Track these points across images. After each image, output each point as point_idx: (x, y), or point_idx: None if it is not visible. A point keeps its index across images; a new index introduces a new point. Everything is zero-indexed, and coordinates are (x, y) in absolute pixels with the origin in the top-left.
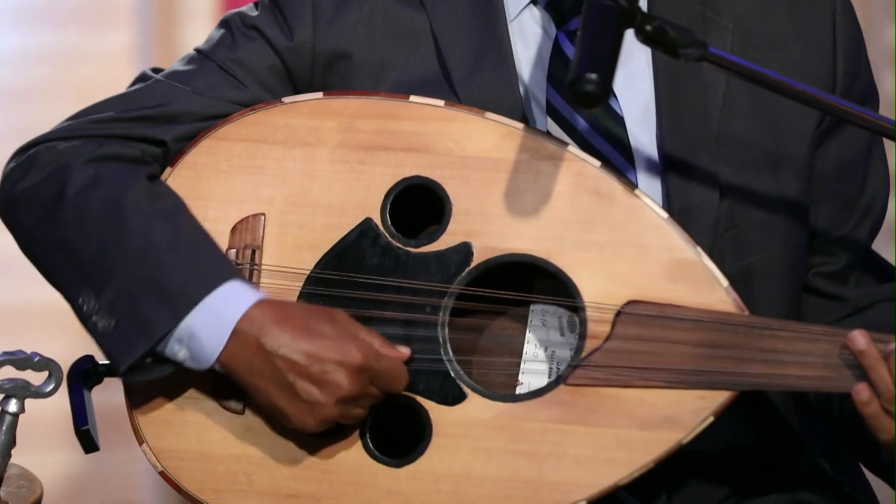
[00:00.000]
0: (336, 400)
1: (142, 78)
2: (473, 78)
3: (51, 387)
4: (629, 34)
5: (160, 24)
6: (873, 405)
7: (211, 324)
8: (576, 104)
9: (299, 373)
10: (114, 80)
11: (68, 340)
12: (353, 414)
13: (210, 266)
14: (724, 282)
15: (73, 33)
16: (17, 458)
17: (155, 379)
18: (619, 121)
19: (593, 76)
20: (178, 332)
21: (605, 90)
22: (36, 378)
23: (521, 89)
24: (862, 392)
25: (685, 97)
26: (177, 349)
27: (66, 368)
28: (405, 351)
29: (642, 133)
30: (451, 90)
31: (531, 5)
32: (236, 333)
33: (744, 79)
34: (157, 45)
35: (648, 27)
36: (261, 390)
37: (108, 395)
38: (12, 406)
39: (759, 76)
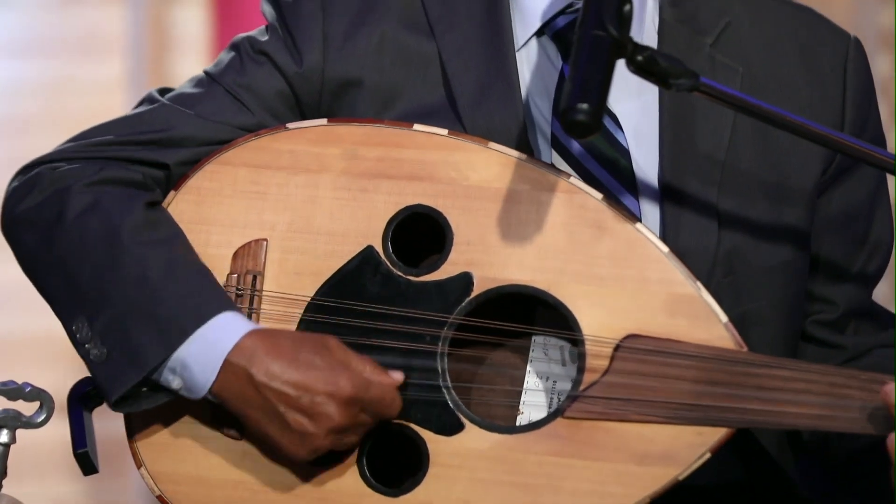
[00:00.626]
0: (327, 431)
1: (148, 100)
2: (479, 106)
3: (42, 417)
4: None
5: (152, 54)
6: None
7: (202, 355)
8: (568, 134)
9: (289, 404)
10: (106, 109)
11: (61, 371)
12: (345, 442)
13: (203, 297)
14: (724, 318)
15: (65, 64)
16: (9, 488)
17: (147, 408)
18: (625, 153)
19: (584, 106)
20: (172, 363)
21: (597, 120)
22: (27, 408)
23: (527, 119)
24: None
25: (690, 135)
26: (171, 378)
27: (58, 399)
28: (397, 377)
29: (646, 167)
30: (457, 118)
31: (538, 35)
32: (227, 365)
33: (737, 110)
34: (150, 74)
35: (639, 57)
36: (253, 420)
37: (101, 424)
38: (3, 436)
39: (753, 108)
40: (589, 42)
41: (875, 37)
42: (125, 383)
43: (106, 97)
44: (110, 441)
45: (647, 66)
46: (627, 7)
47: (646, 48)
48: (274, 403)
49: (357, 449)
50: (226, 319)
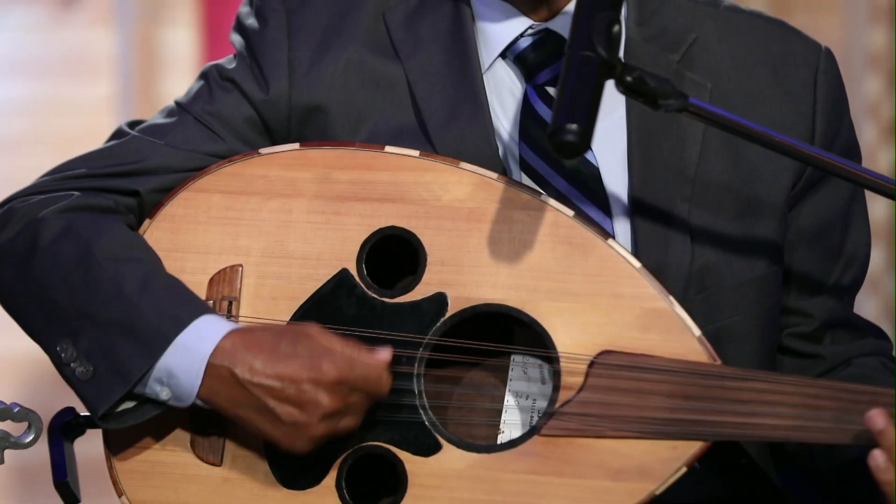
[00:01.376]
0: (319, 418)
1: (118, 134)
2: (449, 128)
3: (30, 437)
4: (609, 85)
5: (140, 75)
6: (890, 472)
7: (186, 361)
8: (557, 154)
9: (277, 397)
10: (95, 129)
11: (49, 391)
12: (342, 427)
13: (181, 305)
14: (697, 331)
15: (54, 84)
16: None
17: (132, 425)
18: (594, 171)
19: (574, 126)
20: (157, 373)
21: (586, 140)
22: (16, 429)
23: (497, 140)
24: (878, 458)
25: (660, 152)
26: (158, 389)
27: (46, 419)
28: (384, 354)
29: (617, 184)
30: (427, 140)
31: (502, 58)
32: (210, 367)
33: (725, 130)
34: (138, 95)
35: (629, 78)
36: (245, 420)
37: (82, 447)
38: None
39: (740, 127)
40: (578, 62)
41: (864, 58)
42: (112, 397)
43: (94, 118)
44: (92, 463)
45: (636, 86)
46: (616, 28)
47: (635, 69)
48: (262, 399)
49: (335, 472)
50: (204, 323)
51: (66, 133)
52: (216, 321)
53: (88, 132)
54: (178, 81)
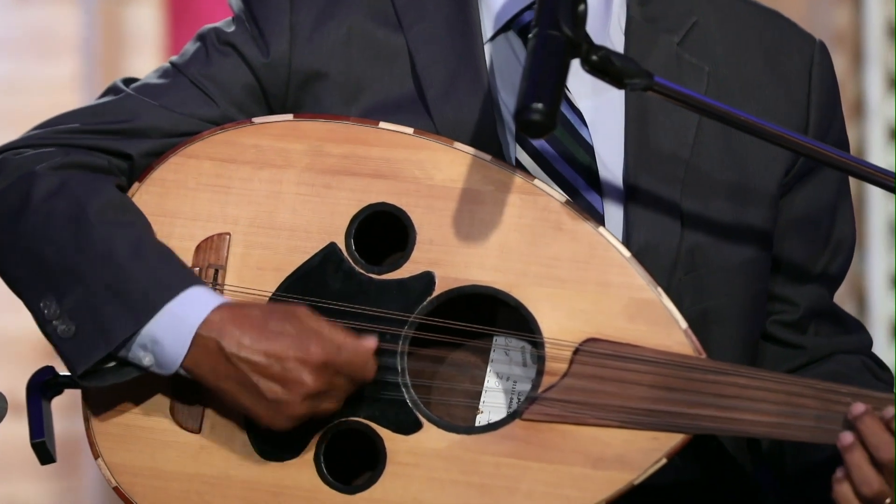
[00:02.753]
0: (302, 397)
1: (113, 90)
2: (448, 98)
3: None
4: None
5: (105, 54)
6: (844, 485)
7: (173, 330)
8: (523, 133)
9: (262, 373)
10: (60, 108)
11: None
12: (323, 408)
13: (171, 273)
14: (684, 324)
15: (18, 63)
16: None
17: (112, 385)
18: (589, 150)
19: (539, 106)
20: (142, 339)
21: (552, 119)
22: None
23: (495, 113)
24: (837, 471)
25: (655, 133)
26: (141, 355)
27: (12, 400)
28: (370, 342)
29: (611, 164)
30: (426, 110)
31: (505, 30)
32: (198, 339)
33: (692, 110)
34: (103, 73)
35: (594, 57)
36: (228, 393)
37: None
38: None
39: (709, 108)
40: (543, 41)
41: (828, 37)
42: (92, 357)
43: (59, 96)
44: (68, 440)
45: (601, 65)
46: (582, 7)
47: (600, 48)
48: (246, 374)
49: (314, 445)
50: (194, 294)
51: (31, 112)
52: (206, 293)
53: (53, 111)
54: (144, 60)
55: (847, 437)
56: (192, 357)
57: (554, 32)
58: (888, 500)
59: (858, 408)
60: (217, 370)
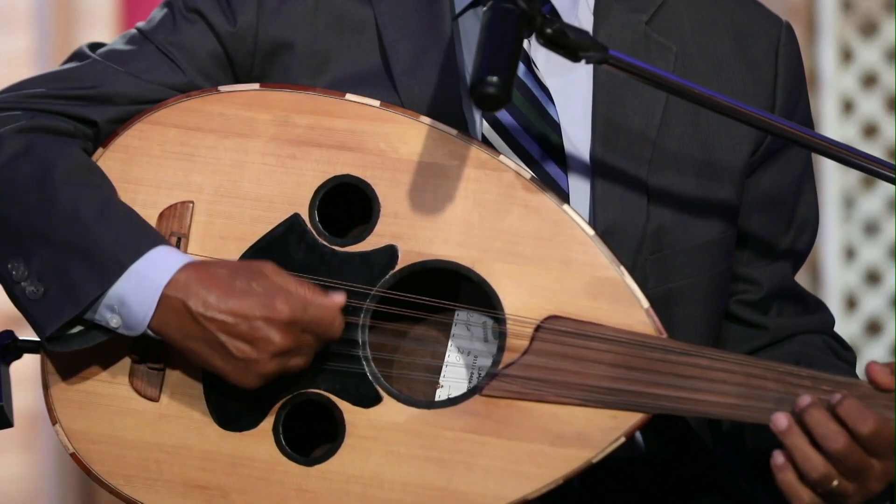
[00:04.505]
0: (271, 355)
1: (79, 55)
2: (415, 74)
3: None
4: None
5: (59, 27)
6: (787, 472)
7: (139, 290)
8: (478, 106)
9: (229, 332)
10: (13, 82)
11: None
12: (292, 365)
13: (137, 233)
14: (645, 303)
15: None
16: None
17: (81, 348)
18: (555, 127)
19: (494, 79)
20: (108, 300)
21: (506, 92)
22: None
23: (462, 89)
24: (777, 457)
25: (623, 112)
26: (108, 316)
27: None
28: (338, 298)
29: (578, 141)
30: (392, 85)
31: (475, 6)
32: (164, 299)
33: (651, 84)
34: (56, 47)
35: (548, 30)
36: (196, 353)
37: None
38: None
39: (667, 82)
40: (498, 14)
41: (783, 10)
42: (60, 318)
43: (13, 70)
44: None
45: (555, 38)
46: None
47: (554, 21)
48: (214, 333)
49: (273, 416)
50: (160, 253)
51: None
52: (172, 252)
53: (7, 84)
54: (97, 34)
55: (781, 421)
56: (159, 317)
57: (508, 5)
58: (835, 483)
59: (804, 400)
60: (184, 330)
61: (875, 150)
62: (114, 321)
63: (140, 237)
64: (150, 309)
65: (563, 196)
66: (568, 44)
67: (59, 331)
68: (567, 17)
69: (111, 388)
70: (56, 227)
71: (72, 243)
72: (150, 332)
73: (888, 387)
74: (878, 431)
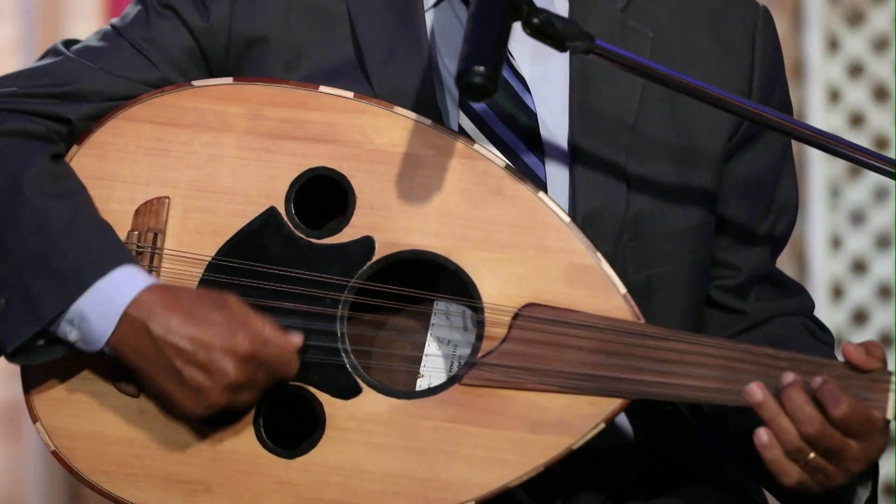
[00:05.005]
0: (223, 387)
1: (53, 52)
2: (387, 66)
3: None
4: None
5: (45, 18)
6: (774, 450)
7: (101, 307)
8: (465, 96)
9: (186, 359)
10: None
11: None
12: (240, 400)
13: (104, 250)
14: (622, 289)
15: None
16: None
17: (43, 363)
18: (532, 116)
19: (481, 69)
20: (70, 314)
21: (493, 82)
22: None
23: (435, 79)
24: (762, 435)
25: (600, 99)
26: (68, 330)
27: None
28: (296, 339)
29: (555, 129)
30: (365, 77)
31: None
32: (125, 318)
33: (634, 73)
34: (42, 38)
35: (535, 20)
36: (149, 375)
37: None
38: None
39: (651, 71)
40: (484, 4)
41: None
42: (22, 334)
43: None
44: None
45: (542, 28)
46: None
47: (542, 10)
48: (170, 358)
49: (254, 410)
50: (125, 273)
51: None
52: (138, 272)
53: None
54: (83, 23)
55: (756, 393)
56: (119, 336)
57: None
58: (811, 455)
59: (786, 378)
60: (142, 351)
61: (862, 139)
62: (72, 335)
63: (107, 253)
64: (111, 326)
65: (540, 184)
66: (555, 34)
67: (22, 345)
68: (542, 2)
69: (91, 384)
70: (21, 239)
71: (37, 257)
72: (107, 349)
73: (864, 367)
74: (853, 413)
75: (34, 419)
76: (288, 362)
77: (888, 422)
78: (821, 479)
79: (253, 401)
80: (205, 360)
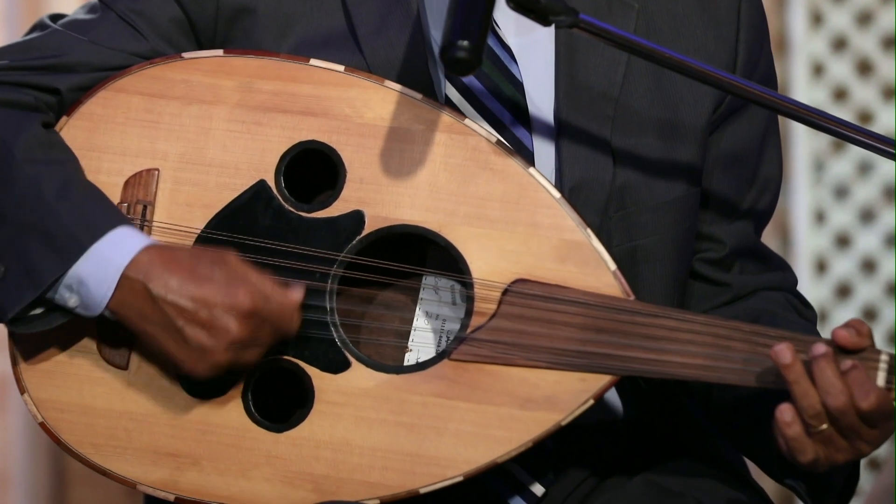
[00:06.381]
0: (226, 345)
1: (40, 26)
2: (380, 36)
3: None
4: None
5: None
6: (796, 426)
7: (99, 270)
8: (450, 71)
9: (188, 318)
10: None
11: None
12: (245, 358)
13: (99, 213)
14: (612, 265)
15: None
16: None
17: (41, 331)
18: (518, 86)
19: (465, 43)
20: (68, 279)
21: (478, 57)
22: None
23: (427, 51)
24: (785, 412)
25: (586, 70)
26: (67, 296)
27: None
28: (297, 294)
29: (541, 101)
30: (357, 47)
31: None
32: (124, 279)
33: (618, 47)
34: (25, 11)
35: None
36: (151, 336)
37: None
38: None
39: (635, 45)
40: None
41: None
42: (21, 301)
43: None
44: None
45: (526, 3)
46: None
47: None
48: (172, 318)
49: (242, 383)
50: (121, 234)
51: None
52: (134, 233)
53: None
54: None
55: (786, 355)
56: (118, 298)
57: None
58: (824, 427)
59: (818, 348)
60: (142, 312)
61: (845, 114)
62: (72, 301)
63: (102, 216)
64: (109, 289)
65: (529, 156)
66: (538, 8)
67: (21, 312)
68: None
69: (79, 356)
70: (16, 207)
71: (32, 223)
72: (107, 312)
73: (855, 348)
74: (879, 406)
75: (22, 390)
76: (289, 317)
77: None
78: (831, 454)
79: (256, 358)
80: (206, 318)
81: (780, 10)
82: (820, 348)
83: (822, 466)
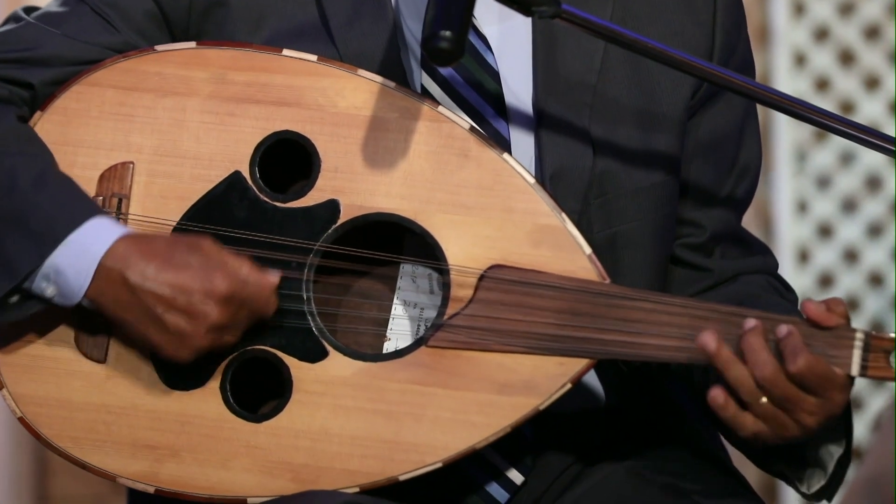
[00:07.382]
0: (206, 329)
1: (13, 18)
2: (352, 27)
3: None
4: None
5: None
6: (730, 408)
7: (76, 260)
8: (432, 61)
9: (166, 305)
10: None
11: None
12: (224, 341)
13: (75, 204)
14: (588, 249)
15: None
16: None
17: (17, 320)
18: (494, 76)
19: (447, 33)
20: (45, 269)
21: (460, 47)
22: None
23: (399, 41)
24: (717, 397)
25: (563, 58)
26: (44, 286)
27: None
28: (274, 276)
29: (518, 90)
30: (330, 39)
31: None
32: (101, 269)
33: (600, 37)
34: (5, 3)
35: None
36: (130, 325)
37: None
38: None
39: (616, 35)
40: None
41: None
42: None
43: None
44: None
45: None
46: None
47: None
48: (150, 305)
49: (221, 375)
50: (98, 224)
51: None
52: (110, 223)
53: None
54: None
55: (710, 343)
56: (96, 287)
57: None
58: (763, 400)
59: (748, 323)
60: (120, 301)
61: (827, 104)
62: (49, 290)
63: (78, 207)
64: (87, 279)
65: (505, 144)
66: None
67: None
68: None
69: (57, 350)
70: None
71: (8, 214)
72: (85, 301)
73: (825, 323)
74: (809, 369)
75: (0, 386)
76: (266, 300)
77: (852, 378)
78: (776, 429)
79: (235, 341)
80: (185, 304)
81: (762, 1)
82: (749, 322)
83: (773, 440)
